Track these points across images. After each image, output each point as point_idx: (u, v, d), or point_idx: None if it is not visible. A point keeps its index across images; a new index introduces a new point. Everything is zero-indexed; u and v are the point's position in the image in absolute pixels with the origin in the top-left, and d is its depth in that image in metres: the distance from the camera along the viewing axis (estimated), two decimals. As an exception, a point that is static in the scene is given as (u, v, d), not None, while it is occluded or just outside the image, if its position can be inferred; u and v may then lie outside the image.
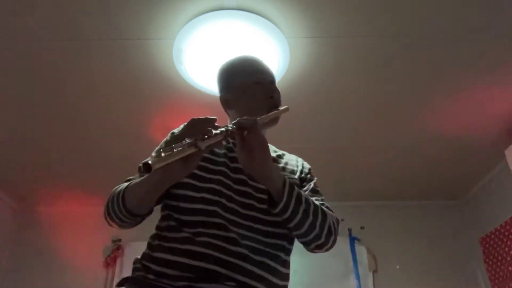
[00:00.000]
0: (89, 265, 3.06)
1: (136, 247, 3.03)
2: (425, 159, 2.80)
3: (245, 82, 1.15)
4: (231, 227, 0.95)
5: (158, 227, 1.03)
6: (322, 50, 1.96)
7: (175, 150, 0.73)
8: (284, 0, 1.72)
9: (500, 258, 2.79)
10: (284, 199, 0.92)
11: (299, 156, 1.25)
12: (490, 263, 2.90)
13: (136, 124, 2.44)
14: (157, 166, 0.68)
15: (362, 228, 3.20)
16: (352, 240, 3.13)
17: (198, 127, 0.82)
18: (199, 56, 1.91)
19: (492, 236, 2.90)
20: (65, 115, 2.35)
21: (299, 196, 0.94)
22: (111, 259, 3.07)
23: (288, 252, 1.05)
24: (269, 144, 1.16)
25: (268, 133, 1.14)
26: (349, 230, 3.16)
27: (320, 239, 0.98)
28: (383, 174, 2.99)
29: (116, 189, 0.97)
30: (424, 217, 3.27)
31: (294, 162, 1.19)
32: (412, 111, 2.36)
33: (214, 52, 1.89)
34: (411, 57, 1.99)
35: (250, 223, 0.98)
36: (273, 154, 1.16)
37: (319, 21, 1.81)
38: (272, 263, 0.97)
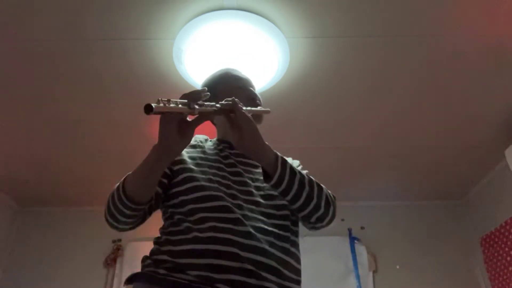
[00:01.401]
0: (89, 265, 3.06)
1: (136, 247, 3.03)
2: (425, 159, 2.80)
3: (228, 87, 1.22)
4: (235, 209, 0.97)
5: (162, 227, 1.05)
6: (322, 50, 1.96)
7: (172, 105, 0.78)
8: (284, 0, 1.72)
9: (500, 258, 2.79)
10: (279, 170, 0.95)
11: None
12: (490, 263, 2.90)
13: (136, 124, 2.44)
14: (157, 110, 0.75)
15: (362, 228, 3.20)
16: (352, 240, 3.13)
17: (190, 97, 0.86)
18: (199, 56, 1.91)
19: (492, 236, 2.90)
20: (65, 115, 2.35)
21: (292, 167, 0.98)
22: (111, 259, 3.07)
23: (294, 233, 1.07)
24: None
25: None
26: (349, 230, 3.16)
27: (320, 209, 1.01)
28: (383, 174, 2.99)
29: (114, 188, 0.99)
30: (424, 217, 3.27)
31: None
32: (412, 111, 2.36)
33: (214, 52, 1.89)
34: (411, 57, 1.99)
35: (252, 206, 1.01)
36: None
37: (319, 21, 1.81)
38: (279, 243, 0.98)
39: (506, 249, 2.73)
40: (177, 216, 1.00)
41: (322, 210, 1.01)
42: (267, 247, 0.94)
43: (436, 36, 1.88)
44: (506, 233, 2.75)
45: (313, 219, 1.03)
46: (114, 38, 1.87)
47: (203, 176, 1.03)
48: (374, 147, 2.68)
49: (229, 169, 1.09)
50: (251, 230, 0.94)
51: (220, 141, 1.21)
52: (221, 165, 1.09)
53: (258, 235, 0.95)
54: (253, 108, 1.11)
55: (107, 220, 0.99)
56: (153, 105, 0.74)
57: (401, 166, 2.89)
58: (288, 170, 0.96)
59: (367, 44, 1.92)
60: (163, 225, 1.05)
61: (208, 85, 1.26)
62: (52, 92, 2.18)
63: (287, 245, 1.00)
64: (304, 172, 1.17)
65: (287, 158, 1.23)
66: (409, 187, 3.15)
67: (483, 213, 3.08)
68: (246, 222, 0.95)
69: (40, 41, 1.87)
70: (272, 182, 0.96)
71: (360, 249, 3.11)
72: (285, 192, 0.97)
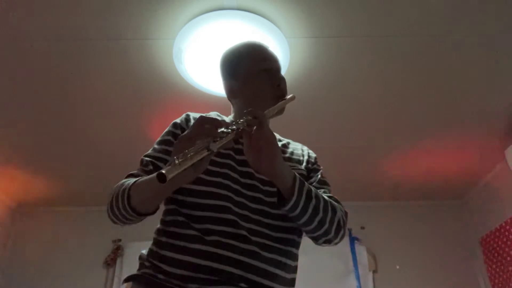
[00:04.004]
0: (89, 265, 3.06)
1: (136, 247, 3.03)
2: (425, 159, 2.80)
3: (252, 70, 1.12)
4: (242, 223, 0.93)
5: (163, 222, 0.99)
6: (322, 50, 1.96)
7: (188, 156, 0.72)
8: (284, 0, 1.72)
9: (500, 258, 2.79)
10: (294, 197, 0.90)
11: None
12: (490, 263, 2.90)
13: (136, 123, 2.43)
14: (171, 175, 0.68)
15: (362, 228, 3.20)
16: (352, 240, 3.13)
17: (208, 128, 0.80)
18: (199, 56, 1.91)
19: (492, 236, 2.90)
20: (65, 115, 2.35)
21: (309, 193, 0.93)
22: (111, 259, 3.07)
23: (297, 245, 1.04)
24: (273, 132, 1.15)
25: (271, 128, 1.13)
26: (349, 230, 3.16)
27: (329, 234, 0.97)
28: (383, 174, 2.99)
29: (120, 186, 0.94)
30: (424, 217, 3.27)
31: (300, 151, 1.17)
32: (412, 111, 2.36)
33: (214, 52, 1.89)
34: (411, 57, 1.99)
35: (259, 217, 0.97)
36: (278, 144, 1.13)
37: (319, 21, 1.81)
38: (283, 259, 0.96)
39: (506, 249, 2.73)
40: (180, 217, 0.95)
41: (331, 234, 0.98)
42: (269, 268, 0.92)
43: (436, 36, 1.88)
44: (506, 233, 2.75)
45: (320, 242, 1.01)
46: (114, 38, 1.87)
47: (213, 179, 0.97)
48: (373, 147, 2.68)
49: (240, 169, 1.01)
50: (256, 248, 0.92)
51: None
52: (233, 164, 1.01)
53: (263, 253, 0.92)
54: (276, 105, 1.04)
55: (109, 217, 0.96)
56: (164, 171, 0.67)
57: (401, 166, 2.89)
58: (303, 196, 0.91)
59: (367, 44, 1.92)
60: (166, 219, 0.99)
61: (230, 62, 1.17)
62: (52, 92, 2.18)
63: (288, 261, 0.98)
64: (320, 171, 1.13)
65: (303, 149, 1.18)
66: (409, 187, 3.15)
67: (483, 213, 3.08)
68: (252, 239, 0.92)
69: (40, 41, 1.87)
70: (286, 208, 0.91)
71: (360, 249, 3.11)
72: (297, 217, 0.93)
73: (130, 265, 2.98)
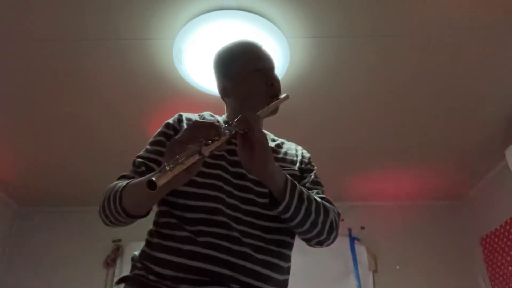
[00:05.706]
0: (89, 265, 3.07)
1: (136, 247, 3.02)
2: (426, 159, 2.80)
3: (245, 69, 1.11)
4: (234, 225, 0.93)
5: (156, 223, 0.99)
6: (322, 50, 1.96)
7: (179, 161, 0.71)
8: (284, 0, 1.72)
9: (500, 258, 2.79)
10: (286, 199, 0.89)
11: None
12: (490, 263, 2.90)
13: (136, 124, 2.44)
14: (162, 183, 0.67)
15: (362, 228, 3.20)
16: (352, 240, 3.13)
17: (201, 131, 0.79)
18: (199, 56, 1.91)
19: (492, 236, 2.90)
20: (65, 115, 2.35)
21: (301, 194, 0.92)
22: (111, 259, 3.07)
23: (290, 247, 1.03)
24: (267, 132, 1.14)
25: (267, 128, 1.13)
26: (349, 230, 3.16)
27: (322, 235, 0.97)
28: (382, 174, 2.99)
29: (112, 188, 0.94)
30: (424, 217, 3.27)
31: (293, 151, 1.16)
32: (411, 111, 2.36)
33: (214, 52, 1.88)
34: (410, 57, 1.99)
35: (252, 219, 0.96)
36: (272, 144, 1.14)
37: (319, 21, 1.81)
38: (275, 261, 0.96)
39: (506, 249, 2.73)
40: (172, 219, 0.95)
41: (324, 236, 0.97)
42: (261, 269, 0.92)
43: (435, 36, 1.88)
44: (506, 233, 2.75)
45: (312, 243, 1.00)
46: (114, 38, 1.87)
47: (205, 181, 0.97)
48: (373, 147, 2.68)
49: (233, 169, 1.01)
50: (248, 250, 0.91)
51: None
52: (226, 165, 1.01)
53: (255, 255, 0.92)
54: (270, 105, 1.03)
55: (101, 218, 0.96)
56: (154, 178, 0.66)
57: (401, 166, 2.89)
58: (295, 198, 0.90)
59: (366, 44, 1.92)
60: (158, 221, 0.98)
61: (223, 62, 1.16)
62: (52, 92, 2.18)
63: (280, 263, 0.98)
64: (313, 172, 1.12)
65: (297, 148, 1.17)
66: (410, 187, 3.15)
67: (483, 213, 3.08)
68: (244, 241, 0.92)
69: (40, 41, 1.87)
70: (278, 210, 0.91)
71: (360, 249, 3.11)
72: (290, 219, 0.93)
73: (130, 265, 2.97)
